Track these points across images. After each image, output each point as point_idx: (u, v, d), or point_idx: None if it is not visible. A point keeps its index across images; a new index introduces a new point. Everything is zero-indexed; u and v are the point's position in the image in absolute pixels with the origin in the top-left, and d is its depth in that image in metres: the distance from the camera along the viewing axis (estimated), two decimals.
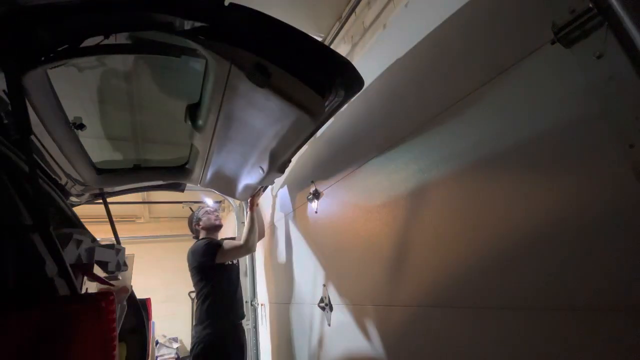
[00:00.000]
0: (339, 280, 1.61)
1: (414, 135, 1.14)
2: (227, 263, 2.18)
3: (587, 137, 0.68)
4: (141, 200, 4.59)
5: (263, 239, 2.65)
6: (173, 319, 5.26)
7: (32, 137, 1.04)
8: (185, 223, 2.47)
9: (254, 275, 3.28)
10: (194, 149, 1.62)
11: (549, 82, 0.75)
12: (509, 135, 0.83)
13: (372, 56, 1.47)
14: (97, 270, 1.07)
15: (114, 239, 1.69)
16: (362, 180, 1.43)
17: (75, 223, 1.14)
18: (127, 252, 1.46)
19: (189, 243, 2.30)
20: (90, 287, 1.02)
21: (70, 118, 1.18)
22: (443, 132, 1.03)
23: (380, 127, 1.34)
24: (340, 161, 1.60)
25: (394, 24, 1.37)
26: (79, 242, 0.92)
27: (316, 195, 1.81)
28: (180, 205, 3.92)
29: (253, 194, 2.14)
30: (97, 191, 1.76)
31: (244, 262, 3.32)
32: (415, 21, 1.19)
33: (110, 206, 1.82)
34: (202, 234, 2.28)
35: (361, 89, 1.18)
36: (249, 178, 1.80)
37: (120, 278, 1.34)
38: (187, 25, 0.86)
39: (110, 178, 1.63)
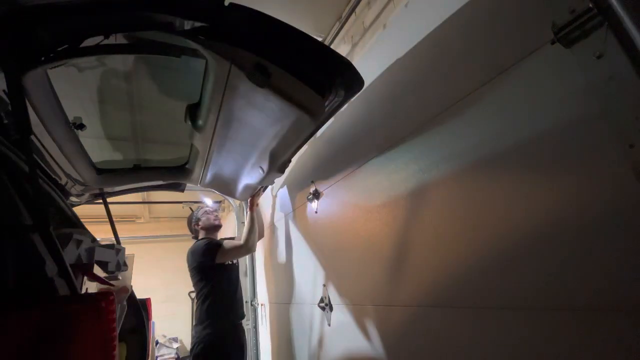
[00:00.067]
0: (339, 280, 1.61)
1: (414, 135, 1.14)
2: (227, 263, 2.18)
3: (587, 137, 0.68)
4: (141, 200, 4.59)
5: (263, 239, 2.65)
6: (173, 319, 5.26)
7: (32, 137, 1.04)
8: (185, 223, 2.47)
9: (254, 275, 3.28)
10: (194, 149, 1.62)
11: (549, 82, 0.75)
12: (509, 135, 0.83)
13: (372, 56, 1.47)
14: (97, 270, 1.07)
15: (114, 239, 1.69)
16: (362, 180, 1.43)
17: (75, 223, 1.14)
18: (127, 252, 1.46)
19: (189, 243, 2.30)
20: (90, 287, 1.02)
21: (70, 118, 1.18)
22: (443, 132, 1.03)
23: (380, 127, 1.34)
24: (340, 161, 1.60)
25: (394, 24, 1.37)
26: (79, 242, 0.92)
27: (316, 195, 1.81)
28: (180, 205, 3.92)
29: (253, 194, 2.14)
30: (97, 191, 1.76)
31: (244, 262, 3.32)
32: (415, 21, 1.19)
33: (110, 206, 1.82)
34: (201, 234, 2.28)
35: (361, 89, 1.18)
36: (249, 178, 1.80)
37: (120, 278, 1.33)
38: (187, 25, 0.86)
39: (110, 178, 1.63)
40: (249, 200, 2.19)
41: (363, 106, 1.46)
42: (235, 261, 2.30)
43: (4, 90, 0.85)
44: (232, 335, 2.12)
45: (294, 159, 1.77)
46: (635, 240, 0.61)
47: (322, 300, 1.72)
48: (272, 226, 2.59)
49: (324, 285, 1.72)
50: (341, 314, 1.56)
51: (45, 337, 0.52)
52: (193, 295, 2.26)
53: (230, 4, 0.85)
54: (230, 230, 3.78)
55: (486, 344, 0.88)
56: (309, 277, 1.90)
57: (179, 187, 2.09)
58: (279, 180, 2.29)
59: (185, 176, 1.85)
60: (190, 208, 2.58)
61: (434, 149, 1.06)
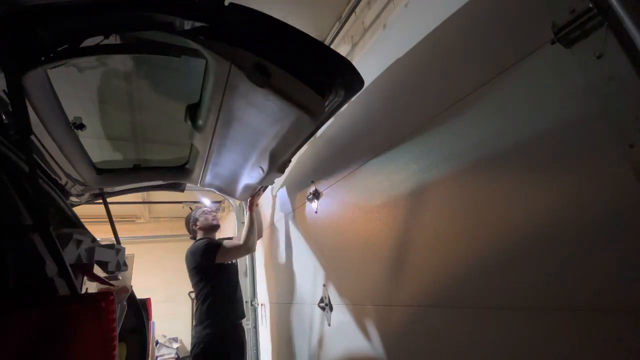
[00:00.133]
0: (339, 280, 1.61)
1: (414, 135, 1.14)
2: (226, 263, 2.18)
3: (587, 137, 0.68)
4: (141, 200, 4.59)
5: (263, 239, 2.65)
6: (173, 319, 5.26)
7: (32, 137, 1.04)
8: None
9: (254, 275, 3.28)
10: (194, 149, 1.62)
11: (549, 82, 0.75)
12: (509, 135, 0.83)
13: (372, 56, 1.47)
14: (97, 270, 1.07)
15: (114, 239, 1.69)
16: (362, 180, 1.43)
17: (75, 223, 1.14)
18: (127, 252, 1.46)
19: (189, 243, 2.30)
20: (90, 287, 1.02)
21: (70, 118, 1.18)
22: (443, 132, 1.03)
23: (380, 127, 1.34)
24: (340, 161, 1.60)
25: (394, 24, 1.37)
26: (79, 242, 0.92)
27: (316, 195, 1.81)
28: (180, 205, 3.92)
29: (253, 194, 2.14)
30: (97, 191, 1.76)
31: (243, 262, 3.33)
32: (415, 21, 1.19)
33: (110, 206, 1.82)
34: (199, 235, 2.28)
35: (361, 88, 1.18)
36: (249, 178, 1.80)
37: (120, 278, 1.33)
38: (187, 25, 0.86)
39: (110, 178, 1.63)
40: (248, 200, 2.19)
41: (363, 106, 1.45)
42: (234, 260, 2.30)
43: (4, 90, 0.85)
44: (232, 335, 2.12)
45: (294, 159, 1.77)
46: (635, 240, 0.61)
47: (322, 300, 1.72)
48: (272, 226, 2.59)
49: (324, 285, 1.72)
50: (341, 314, 1.56)
51: (45, 337, 0.52)
52: (193, 295, 2.25)
53: (230, 4, 0.85)
54: (230, 230, 3.78)
55: (486, 344, 0.88)
56: (309, 277, 1.90)
57: (179, 187, 2.09)
58: (279, 180, 2.29)
59: (185, 176, 1.85)
60: (190, 208, 2.58)
61: (434, 149, 1.06)
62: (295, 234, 2.16)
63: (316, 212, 1.82)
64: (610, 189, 0.64)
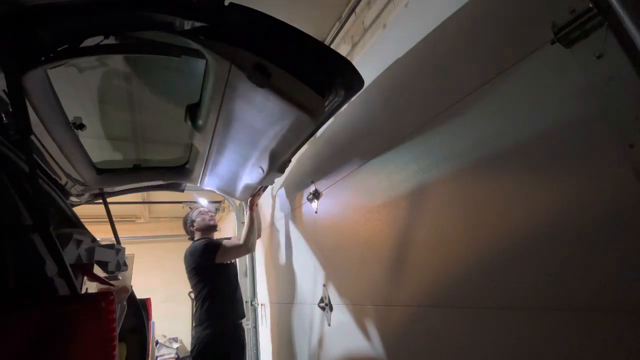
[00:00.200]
0: (339, 280, 1.61)
1: (414, 135, 1.14)
2: (225, 263, 2.18)
3: (587, 137, 0.68)
4: (141, 200, 4.59)
5: (263, 239, 2.65)
6: (173, 319, 5.26)
7: (32, 137, 1.04)
8: None
9: (254, 275, 3.28)
10: (194, 149, 1.62)
11: (549, 82, 0.75)
12: (509, 135, 0.83)
13: (372, 56, 1.47)
14: (97, 270, 1.07)
15: (114, 239, 1.69)
16: (362, 180, 1.43)
17: (75, 223, 1.14)
18: (127, 252, 1.46)
19: (189, 243, 2.30)
20: (90, 287, 1.02)
21: (70, 118, 1.18)
22: (443, 132, 1.03)
23: (380, 127, 1.34)
24: (340, 161, 1.60)
25: (394, 24, 1.37)
26: (79, 242, 0.92)
27: (316, 195, 1.81)
28: (180, 205, 3.93)
29: (253, 194, 2.14)
30: (97, 191, 1.76)
31: (243, 262, 3.33)
32: (415, 21, 1.19)
33: (110, 206, 1.82)
34: (197, 235, 2.27)
35: (361, 88, 1.18)
36: (249, 178, 1.80)
37: (120, 278, 1.33)
38: (187, 25, 0.86)
39: (110, 178, 1.63)
40: (249, 200, 2.19)
41: (363, 106, 1.45)
42: (233, 261, 2.30)
43: (4, 90, 0.85)
44: (233, 335, 2.12)
45: (294, 159, 1.77)
46: (635, 240, 0.61)
47: (322, 300, 1.72)
48: (272, 226, 2.59)
49: (324, 285, 1.72)
50: (341, 314, 1.56)
51: (45, 337, 0.52)
52: (193, 295, 2.25)
53: (230, 4, 0.85)
54: (230, 230, 3.78)
55: (486, 344, 0.88)
56: (309, 277, 1.90)
57: (179, 187, 2.09)
58: (279, 180, 2.29)
59: (185, 176, 1.85)
60: (190, 208, 2.58)
61: (434, 149, 1.06)
62: (295, 234, 2.16)
63: (316, 212, 1.82)
64: (610, 189, 0.64)
